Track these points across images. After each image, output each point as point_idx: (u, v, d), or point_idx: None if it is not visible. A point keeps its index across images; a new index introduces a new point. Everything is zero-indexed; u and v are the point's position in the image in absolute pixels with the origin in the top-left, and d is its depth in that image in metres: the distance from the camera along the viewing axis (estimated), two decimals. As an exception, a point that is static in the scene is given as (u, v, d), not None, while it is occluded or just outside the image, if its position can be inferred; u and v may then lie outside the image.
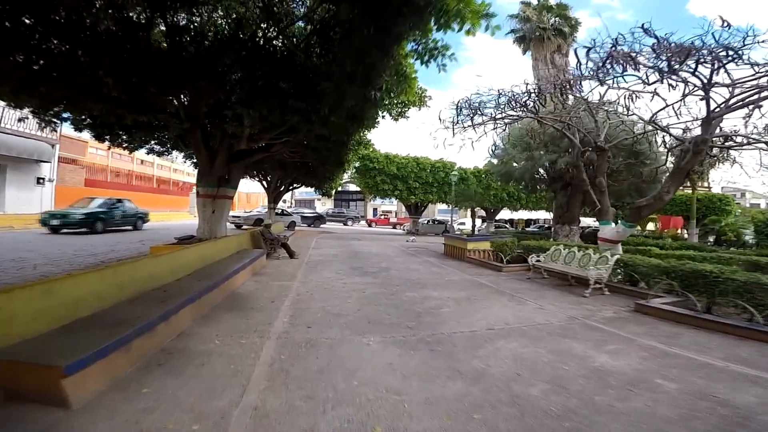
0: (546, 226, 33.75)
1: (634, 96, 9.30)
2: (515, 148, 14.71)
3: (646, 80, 7.50)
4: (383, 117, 11.68)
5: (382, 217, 45.98)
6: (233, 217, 21.09)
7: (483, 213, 35.84)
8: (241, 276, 7.43)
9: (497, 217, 32.29)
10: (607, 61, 7.67)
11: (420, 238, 21.10)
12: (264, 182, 18.17)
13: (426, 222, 29.97)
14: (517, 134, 13.84)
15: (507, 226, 33.75)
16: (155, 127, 9.09)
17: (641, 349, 4.49)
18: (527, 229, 31.18)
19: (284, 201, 58.31)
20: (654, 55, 7.40)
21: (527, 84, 10.52)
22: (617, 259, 7.44)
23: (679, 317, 5.58)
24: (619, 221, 8.94)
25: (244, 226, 19.94)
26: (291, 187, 19.88)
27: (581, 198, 15.22)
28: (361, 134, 12.39)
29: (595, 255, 7.79)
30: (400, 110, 11.59)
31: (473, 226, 16.80)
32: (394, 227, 38.16)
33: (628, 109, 9.55)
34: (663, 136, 10.86)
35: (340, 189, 49.04)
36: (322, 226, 22.61)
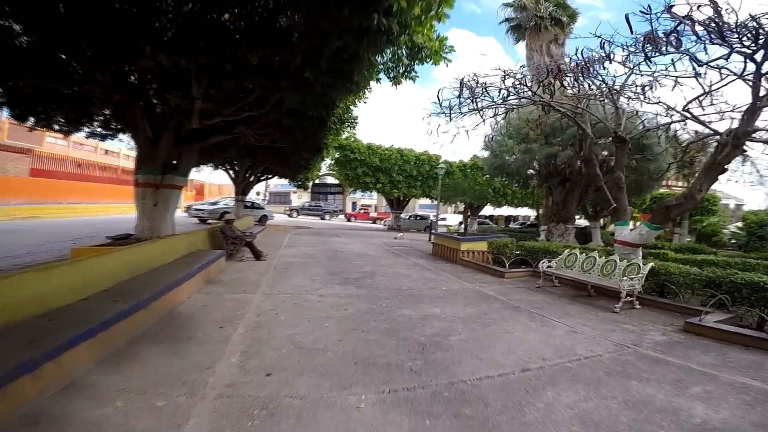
0: (529, 223, 33.18)
1: (656, 84, 8.17)
2: (512, 139, 13.47)
3: (674, 66, 6.31)
4: (379, 80, 8.42)
5: (362, 211, 44.33)
6: (197, 210, 19.02)
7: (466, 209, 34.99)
8: (187, 287, 5.75)
9: (479, 214, 31.27)
10: (645, 42, 6.43)
11: (403, 235, 19.70)
12: (231, 172, 16.18)
13: (408, 217, 28.60)
14: (515, 124, 12.57)
15: (489, 222, 32.90)
16: (79, 100, 7.09)
17: (734, 389, 3.43)
18: (510, 226, 30.42)
19: (258, 193, 55.59)
20: (694, 35, 6.21)
21: (523, 68, 9.24)
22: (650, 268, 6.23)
23: (745, 339, 4.47)
24: (642, 223, 7.79)
25: (210, 221, 17.94)
26: (262, 178, 17.96)
27: (578, 195, 14.24)
28: (347, 106, 10.47)
29: (622, 262, 6.57)
30: (407, 66, 7.82)
31: (465, 223, 15.56)
32: (374, 222, 36.64)
33: (646, 97, 8.43)
34: (675, 131, 9.84)
35: (317, 181, 47.03)
36: (268, 222, 20.44)
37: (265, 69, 5.17)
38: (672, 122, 8.07)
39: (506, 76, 8.95)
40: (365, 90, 8.35)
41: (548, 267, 7.65)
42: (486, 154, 15.85)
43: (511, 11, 18.96)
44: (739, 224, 18.66)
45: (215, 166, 16.33)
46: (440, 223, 29.73)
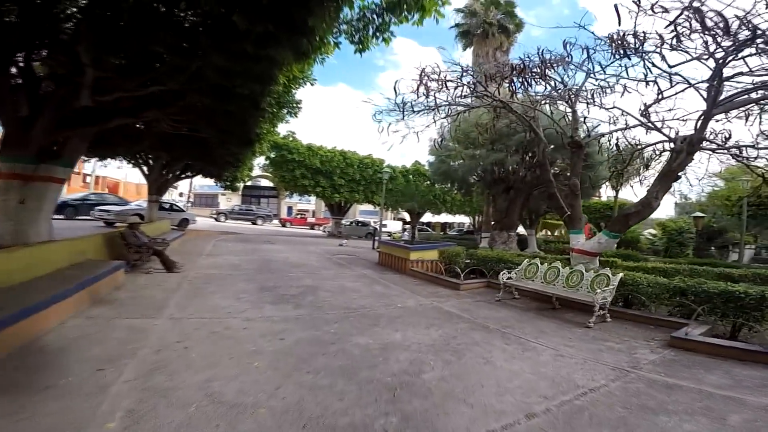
0: (465, 230, 33.97)
1: (608, 89, 8.15)
2: (459, 144, 13.08)
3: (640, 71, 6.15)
4: (339, 44, 6.34)
5: (299, 216, 42.03)
6: (101, 211, 15.83)
7: (407, 216, 34.77)
8: (59, 311, 4.10)
9: (418, 221, 31.20)
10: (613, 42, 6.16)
11: (347, 242, 18.44)
12: (144, 168, 13.53)
13: (349, 224, 27.38)
14: (463, 128, 12.16)
15: (429, 229, 33.02)
16: None
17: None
18: (449, 233, 30.78)
19: (181, 194, 50.00)
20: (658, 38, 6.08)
21: (482, 64, 8.78)
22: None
23: (740, 354, 4.24)
24: (601, 231, 7.59)
25: (118, 224, 14.96)
26: (183, 176, 15.46)
27: (522, 203, 14.33)
28: (288, 83, 8.70)
29: (588, 273, 6.14)
30: (381, 24, 5.53)
31: (413, 230, 14.81)
32: (312, 228, 34.75)
33: (601, 102, 8.40)
34: (617, 139, 10.09)
35: (249, 183, 43.64)
36: (190, 227, 17.75)
37: (178, 26, 3.73)
38: (628, 127, 8.08)
39: (464, 74, 8.35)
40: (320, 55, 6.57)
41: (508, 278, 7.03)
42: (432, 158, 15.38)
43: (462, 17, 19.06)
44: (653, 231, 20.67)
45: (126, 160, 13.55)
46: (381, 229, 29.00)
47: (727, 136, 6.78)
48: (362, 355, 3.88)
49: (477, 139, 12.21)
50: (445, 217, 38.26)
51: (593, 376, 3.72)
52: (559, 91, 8.07)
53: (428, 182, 25.29)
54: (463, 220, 42.73)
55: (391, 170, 21.14)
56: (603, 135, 8.57)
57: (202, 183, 38.62)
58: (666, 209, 42.75)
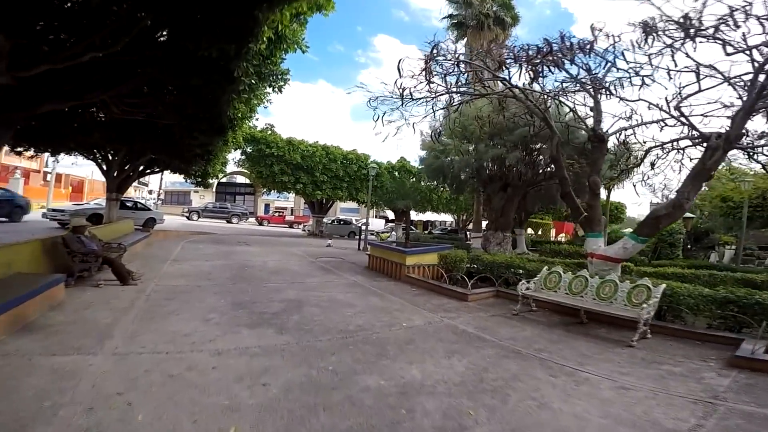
0: (450, 228, 33.35)
1: (627, 81, 7.43)
2: (455, 138, 12.19)
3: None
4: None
5: (277, 214, 40.29)
6: (54, 211, 14.00)
7: (390, 215, 33.78)
8: None
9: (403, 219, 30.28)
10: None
11: (332, 243, 17.24)
12: (103, 163, 11.80)
13: (331, 222, 26.10)
14: (461, 122, 11.26)
15: (414, 228, 32.15)
16: None
17: None
18: (433, 232, 30.03)
19: (150, 192, 47.06)
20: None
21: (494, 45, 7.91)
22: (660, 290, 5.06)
23: None
24: (627, 235, 6.83)
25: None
26: (147, 172, 13.79)
27: (518, 202, 13.64)
28: (274, 46, 6.59)
29: (623, 283, 5.34)
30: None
31: (407, 231, 13.76)
32: (291, 226, 33.21)
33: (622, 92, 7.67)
34: (626, 137, 9.42)
35: (224, 180, 41.49)
36: (157, 227, 16.04)
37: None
38: (645, 123, 7.36)
39: (475, 55, 7.43)
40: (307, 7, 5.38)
41: (527, 289, 6.16)
42: (423, 153, 14.45)
43: (455, 8, 18.16)
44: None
45: (80, 154, 11.80)
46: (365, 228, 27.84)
47: (761, 133, 6.18)
48: (377, 406, 2.85)
49: (475, 133, 11.35)
50: (428, 216, 37.50)
51: (677, 413, 2.94)
52: (583, 78, 7.27)
53: (413, 179, 24.43)
54: (446, 218, 42.25)
55: (377, 166, 20.06)
56: (624, 130, 7.83)
57: (173, 179, 36.23)
58: (644, 208, 43.63)
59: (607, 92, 7.30)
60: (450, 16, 18.45)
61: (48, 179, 27.68)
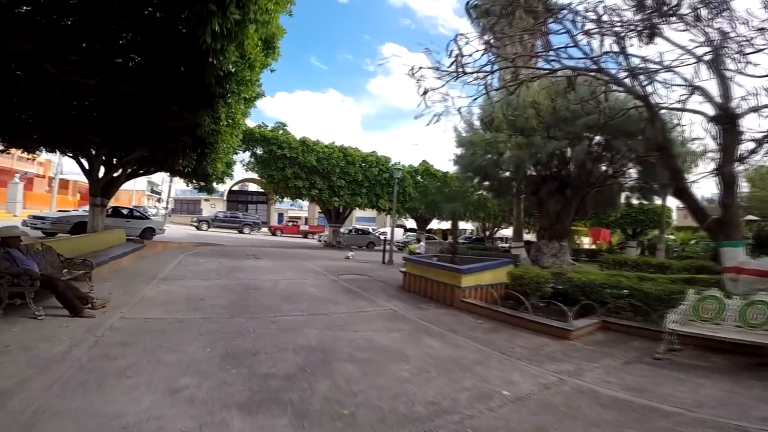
0: (474, 237, 30.96)
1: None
2: (502, 130, 10.08)
3: None
4: None
5: (290, 224, 38.55)
6: (35, 219, 12.38)
7: (409, 223, 31.68)
8: None
9: (427, 228, 28.05)
10: None
11: (353, 255, 15.20)
12: (84, 161, 9.91)
13: (348, 232, 24.08)
14: (513, 109, 9.18)
15: (436, 237, 29.90)
16: None
17: None
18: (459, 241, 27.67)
19: (159, 200, 45.94)
20: None
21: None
22: None
23: None
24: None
25: (60, 235, 11.54)
26: (141, 173, 11.94)
27: (577, 205, 11.40)
28: None
29: None
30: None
31: (455, 243, 11.70)
32: (305, 237, 31.34)
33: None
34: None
35: (235, 188, 40.03)
36: (157, 237, 14.18)
37: None
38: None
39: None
40: None
41: (674, 324, 4.00)
42: (459, 151, 12.35)
43: (479, -2, 16.20)
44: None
45: (53, 150, 10.07)
46: (382, 238, 25.65)
47: None
48: None
49: (530, 122, 9.23)
50: (447, 224, 35.06)
51: None
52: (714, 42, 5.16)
53: (438, 183, 22.27)
54: (467, 227, 39.69)
55: (402, 168, 17.94)
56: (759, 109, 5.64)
57: (184, 188, 34.84)
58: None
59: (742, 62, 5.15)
60: (475, 7, 16.43)
61: (52, 185, 26.57)
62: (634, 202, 14.52)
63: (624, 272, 8.33)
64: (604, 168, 10.93)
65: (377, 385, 3.27)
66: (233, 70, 4.44)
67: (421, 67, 6.31)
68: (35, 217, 12.27)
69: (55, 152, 10.94)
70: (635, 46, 6.52)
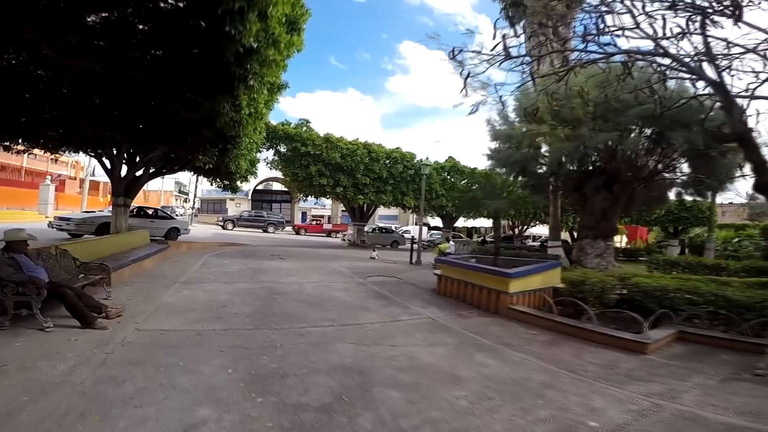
0: (502, 236, 29.74)
1: None
2: (544, 121, 9.21)
3: None
4: None
5: (314, 222, 38.45)
6: (60, 220, 12.42)
7: (435, 220, 30.87)
8: None
9: (453, 226, 27.13)
10: None
11: (378, 254, 14.64)
12: (106, 160, 9.72)
13: (372, 230, 23.55)
14: (559, 98, 8.29)
15: (462, 236, 28.95)
16: None
17: None
18: (487, 240, 26.65)
19: (186, 200, 46.94)
20: None
21: None
22: None
23: None
24: None
25: (86, 236, 11.53)
26: (163, 171, 11.79)
27: (625, 202, 10.39)
28: None
29: None
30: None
31: (497, 244, 10.93)
32: (329, 235, 31.09)
33: None
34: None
35: (260, 187, 40.30)
36: (182, 237, 13.93)
37: None
38: None
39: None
40: None
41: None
42: (495, 145, 11.51)
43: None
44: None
45: (73, 149, 9.93)
46: (406, 237, 24.99)
47: None
48: None
49: (576, 112, 8.35)
50: (471, 222, 33.95)
51: None
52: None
53: (465, 180, 21.35)
54: (486, 224, 38.18)
55: (430, 165, 17.14)
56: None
57: (209, 188, 35.27)
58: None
59: None
60: (504, -1, 15.43)
61: (82, 187, 27.32)
62: (687, 198, 13.26)
63: (693, 276, 7.39)
64: (654, 162, 9.89)
65: (431, 419, 2.68)
66: (255, 45, 3.92)
67: (462, 50, 5.61)
68: (60, 218, 12.31)
69: (78, 152, 10.85)
70: (709, 27, 5.63)
